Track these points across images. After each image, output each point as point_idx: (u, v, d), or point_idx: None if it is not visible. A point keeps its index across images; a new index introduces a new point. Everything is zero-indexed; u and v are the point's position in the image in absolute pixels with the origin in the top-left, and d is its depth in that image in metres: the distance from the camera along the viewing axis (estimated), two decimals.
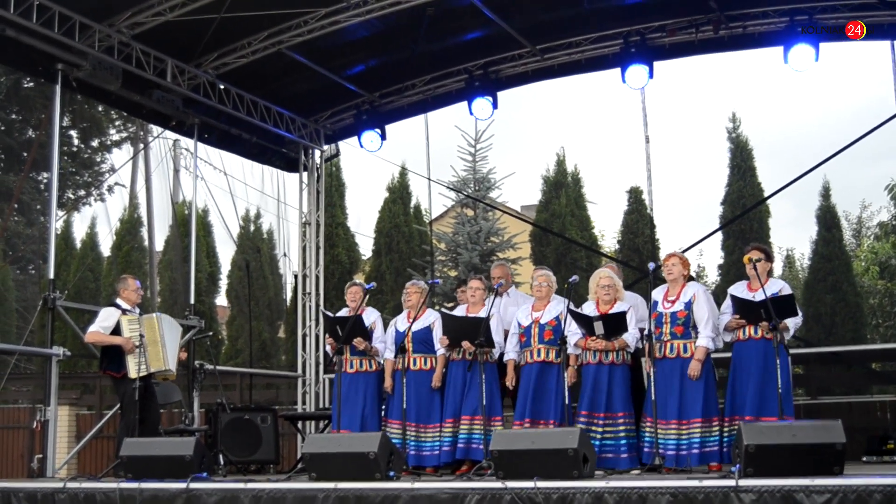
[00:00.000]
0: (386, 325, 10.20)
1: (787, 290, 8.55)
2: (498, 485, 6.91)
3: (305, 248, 14.48)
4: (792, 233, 58.18)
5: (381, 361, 9.94)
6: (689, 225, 46.98)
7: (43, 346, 10.81)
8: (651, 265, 9.11)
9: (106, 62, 11.02)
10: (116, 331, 9.75)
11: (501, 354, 9.50)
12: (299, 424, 12.93)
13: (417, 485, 7.22)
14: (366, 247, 20.89)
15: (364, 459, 7.51)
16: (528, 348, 9.20)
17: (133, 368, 9.61)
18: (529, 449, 7.20)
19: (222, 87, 12.54)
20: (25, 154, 26.05)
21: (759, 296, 8.34)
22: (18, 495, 8.41)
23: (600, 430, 8.71)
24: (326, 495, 7.34)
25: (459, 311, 9.86)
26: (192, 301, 12.80)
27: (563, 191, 18.47)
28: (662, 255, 16.48)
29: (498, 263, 11.00)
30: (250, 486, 7.65)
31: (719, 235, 17.09)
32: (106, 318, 9.83)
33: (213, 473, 8.68)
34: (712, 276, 19.38)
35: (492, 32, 12.14)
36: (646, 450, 8.58)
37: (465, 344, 9.18)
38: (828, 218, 17.12)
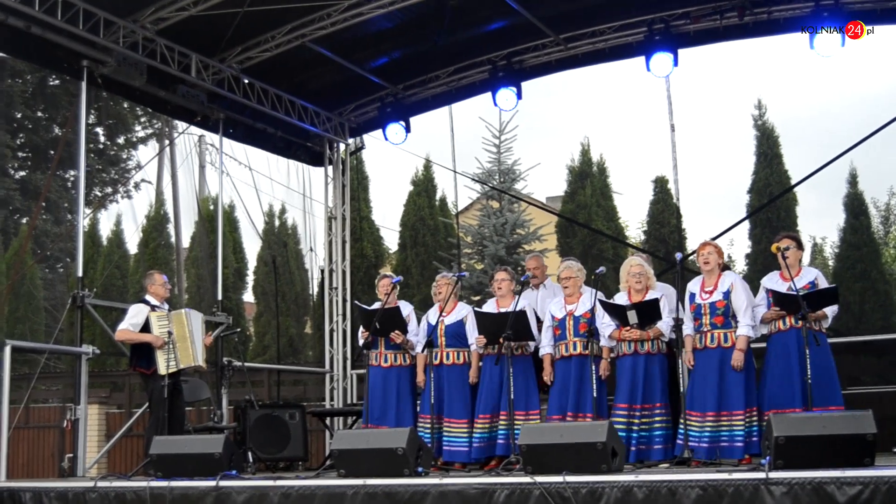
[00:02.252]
0: (419, 319, 10.18)
1: (822, 279, 8.48)
2: (526, 479, 6.88)
3: (331, 243, 14.47)
4: (820, 221, 57.81)
5: (415, 355, 9.92)
6: (715, 214, 46.77)
7: (72, 345, 10.85)
8: (678, 255, 9.00)
9: (131, 58, 11.05)
10: (146, 327, 9.78)
11: (536, 348, 9.47)
12: (327, 421, 12.93)
13: (446, 480, 7.20)
14: (391, 240, 20.88)
15: (392, 455, 7.49)
16: (562, 341, 9.14)
17: (163, 365, 9.64)
18: (558, 443, 7.17)
19: (246, 81, 12.54)
20: (52, 152, 26.22)
21: (798, 283, 8.25)
22: (50, 495, 8.45)
23: (638, 422, 8.66)
24: (355, 492, 7.34)
25: (489, 306, 9.81)
26: (220, 297, 12.82)
27: (588, 181, 18.36)
28: (689, 245, 16.42)
29: (533, 255, 10.98)
30: (279, 483, 7.66)
31: (746, 224, 16.93)
32: (135, 315, 9.87)
33: (242, 471, 8.71)
34: (740, 265, 19.25)
35: (515, 22, 12.09)
36: (679, 442, 8.51)
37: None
38: (855, 205, 16.94)
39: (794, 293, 8.14)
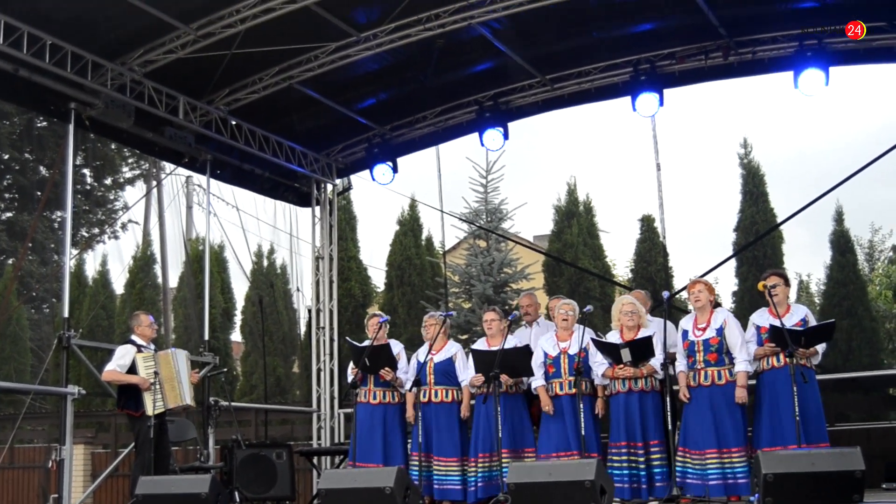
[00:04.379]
0: (408, 357, 10.19)
1: (811, 317, 8.54)
2: None
3: (319, 283, 14.47)
4: (806, 258, 58.04)
5: (404, 393, 9.91)
6: (702, 252, 46.82)
7: (58, 385, 10.79)
8: (665, 294, 9.07)
9: (118, 100, 11.06)
10: (132, 369, 9.76)
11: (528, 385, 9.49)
12: (315, 460, 12.87)
13: None
14: (378, 279, 20.91)
15: (380, 494, 7.48)
16: (556, 379, 9.16)
17: (150, 405, 9.60)
18: (546, 481, 7.16)
19: (234, 122, 12.57)
20: (39, 193, 26.20)
21: (788, 321, 8.32)
22: None
23: (642, 459, 8.64)
24: None
25: (480, 345, 9.81)
26: (207, 337, 12.78)
27: (574, 220, 18.44)
28: (676, 283, 16.49)
29: (526, 293, 11.04)
30: None
31: (733, 262, 17.00)
32: (122, 356, 9.84)
33: None
34: (727, 303, 19.30)
35: (501, 63, 12.17)
36: (677, 479, 8.49)
37: (505, 378, 9.08)
38: (841, 242, 17.05)
39: (792, 329, 8.20)
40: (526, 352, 9.13)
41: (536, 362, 9.33)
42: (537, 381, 9.28)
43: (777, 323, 8.34)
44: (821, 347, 8.40)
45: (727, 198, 54.61)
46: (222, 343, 19.51)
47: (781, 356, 8.32)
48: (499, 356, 8.92)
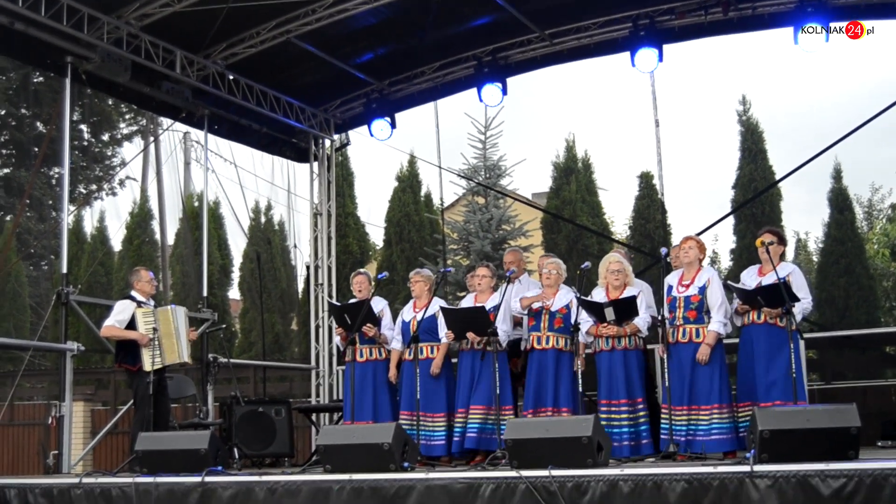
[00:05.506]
0: (395, 315, 10.19)
1: (796, 274, 8.53)
2: (512, 474, 6.88)
3: (317, 239, 14.45)
4: (804, 216, 58.04)
5: (390, 350, 9.94)
6: (700, 209, 46.95)
7: (57, 342, 10.81)
8: (663, 250, 9.07)
9: (115, 54, 11.00)
10: (131, 324, 9.76)
11: (512, 342, 9.52)
12: (313, 416, 12.92)
13: (432, 475, 7.20)
14: (377, 236, 20.92)
15: (378, 450, 7.49)
16: (536, 332, 9.19)
17: (148, 361, 9.62)
18: (543, 437, 7.17)
19: (231, 77, 12.51)
20: (36, 149, 26.12)
21: (767, 280, 8.37)
22: (35, 491, 8.42)
23: (624, 416, 8.67)
24: (341, 487, 7.33)
25: (467, 301, 9.87)
26: (205, 294, 12.79)
27: (573, 177, 18.42)
28: (674, 240, 16.46)
29: (510, 250, 10.96)
30: (265, 478, 7.65)
31: (731, 220, 17.01)
32: (121, 312, 9.84)
33: (228, 467, 8.67)
34: (725, 260, 19.32)
35: (500, 18, 12.08)
36: (662, 436, 8.54)
37: (471, 336, 9.17)
38: (840, 200, 17.04)
39: (748, 289, 8.38)
40: (480, 310, 9.18)
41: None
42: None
43: (753, 283, 8.48)
44: (800, 308, 8.37)
45: (726, 155, 54.63)
46: (220, 300, 19.55)
47: (751, 314, 8.44)
48: (465, 315, 9.05)
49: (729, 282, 8.73)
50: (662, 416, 8.57)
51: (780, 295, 8.12)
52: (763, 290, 8.32)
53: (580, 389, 8.70)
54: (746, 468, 6.27)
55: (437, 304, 9.79)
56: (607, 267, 9.12)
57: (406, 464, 7.57)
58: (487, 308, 9.24)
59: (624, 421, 8.68)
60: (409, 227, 19.00)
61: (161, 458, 8.38)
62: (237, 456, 10.46)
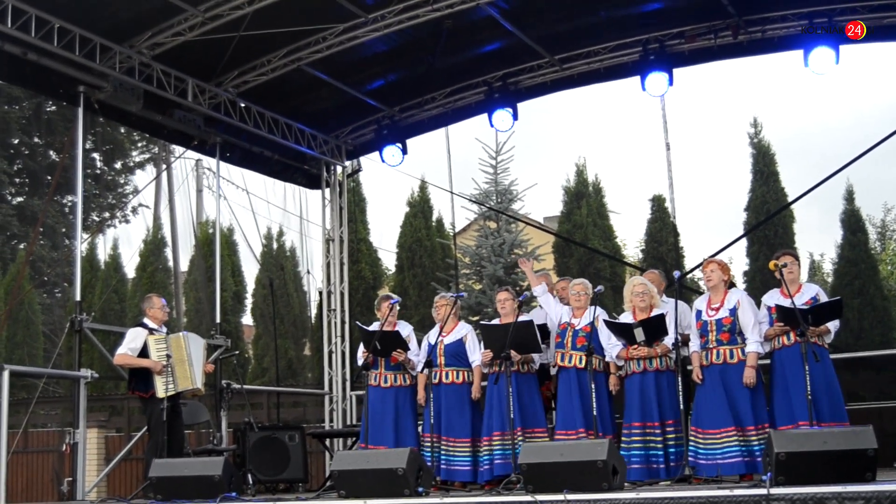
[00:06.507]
0: (418, 339, 10.18)
1: (822, 295, 8.51)
2: (527, 498, 6.87)
3: (329, 265, 14.47)
4: (817, 238, 57.94)
5: (415, 375, 9.92)
6: (713, 232, 46.84)
7: (71, 369, 10.82)
8: (676, 274, 9.05)
9: (127, 83, 11.08)
10: (144, 351, 9.77)
11: (541, 365, 9.52)
12: (327, 442, 12.90)
13: (447, 500, 7.20)
14: (389, 262, 20.90)
15: (392, 475, 7.49)
16: (561, 350, 9.23)
17: (161, 388, 9.63)
18: (558, 461, 7.16)
19: (243, 105, 12.59)
20: (49, 178, 26.25)
21: (799, 300, 8.31)
22: None
23: (659, 439, 8.64)
24: None
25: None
26: (218, 320, 12.79)
27: (584, 201, 18.41)
28: (687, 263, 16.46)
29: (541, 273, 10.99)
30: None
31: (744, 242, 16.97)
32: (133, 339, 9.85)
33: (242, 493, 8.69)
34: (738, 283, 19.27)
35: (510, 43, 12.14)
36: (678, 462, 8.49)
37: (514, 354, 9.07)
38: (852, 221, 16.99)
39: (799, 308, 8.17)
40: (528, 325, 9.11)
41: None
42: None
43: (786, 303, 8.32)
44: (833, 326, 8.37)
45: (737, 177, 54.61)
46: (233, 326, 19.54)
47: (792, 335, 8.30)
48: (511, 331, 8.91)
49: (769, 302, 8.63)
50: (690, 439, 8.50)
51: (830, 314, 8.14)
52: (815, 308, 8.26)
53: (596, 412, 8.67)
54: (763, 491, 6.25)
55: (465, 328, 9.81)
56: (631, 289, 9.12)
57: (420, 489, 7.56)
58: None
59: (659, 443, 8.64)
60: (421, 253, 18.99)
61: (175, 484, 8.39)
62: (251, 482, 10.46)
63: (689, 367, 8.70)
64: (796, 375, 8.19)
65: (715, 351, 8.50)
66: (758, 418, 8.32)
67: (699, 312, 8.71)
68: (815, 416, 7.88)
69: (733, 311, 8.51)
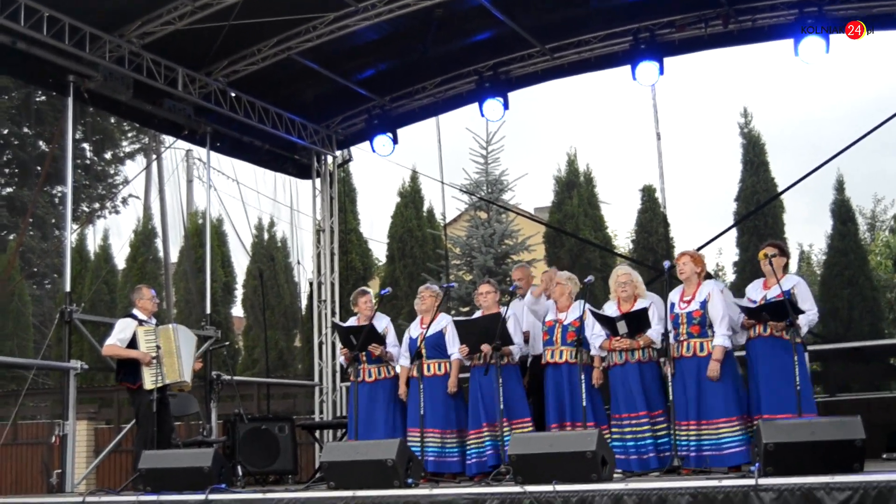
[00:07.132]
0: (399, 331, 10.14)
1: (801, 286, 8.49)
2: (517, 489, 6.87)
3: (320, 255, 14.44)
4: (807, 228, 57.98)
5: (397, 367, 9.89)
6: (703, 222, 46.87)
7: (60, 361, 10.79)
8: (666, 263, 9.02)
9: (117, 72, 11.03)
10: (133, 342, 9.73)
11: (523, 357, 9.48)
12: (317, 433, 12.89)
13: (436, 491, 7.18)
14: (379, 252, 20.94)
15: (382, 467, 7.47)
16: (550, 347, 9.18)
17: (149, 380, 9.58)
18: (547, 452, 7.15)
19: (233, 94, 12.54)
20: (39, 168, 26.17)
21: (772, 293, 8.31)
22: None
23: (646, 429, 8.63)
24: (345, 503, 7.32)
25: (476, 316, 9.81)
26: (208, 311, 12.76)
27: (575, 191, 18.43)
28: (677, 252, 16.48)
29: (518, 266, 10.95)
30: (269, 496, 7.63)
31: (734, 232, 17.01)
32: (122, 330, 9.80)
33: (231, 485, 8.65)
34: (728, 273, 19.31)
35: (501, 33, 12.11)
36: (668, 452, 8.50)
37: (485, 348, 9.07)
38: (842, 212, 17.04)
39: (749, 307, 8.36)
40: (496, 318, 9.07)
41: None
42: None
43: (759, 296, 8.46)
44: (805, 321, 8.35)
45: (728, 167, 54.73)
46: (223, 317, 19.52)
47: (757, 328, 8.38)
48: (494, 325, 8.91)
49: (735, 300, 8.67)
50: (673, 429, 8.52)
51: (784, 309, 8.09)
52: (768, 305, 8.29)
53: (586, 404, 8.65)
54: (751, 481, 6.25)
55: (445, 319, 9.77)
56: (616, 279, 9.10)
57: (410, 480, 7.55)
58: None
59: (647, 433, 8.63)
60: (412, 243, 18.99)
61: (164, 476, 8.36)
62: (241, 473, 10.42)
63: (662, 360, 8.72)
64: (763, 366, 8.29)
65: (686, 343, 8.48)
66: (731, 409, 8.31)
67: (672, 304, 8.70)
68: (785, 409, 7.91)
69: (703, 304, 8.50)
